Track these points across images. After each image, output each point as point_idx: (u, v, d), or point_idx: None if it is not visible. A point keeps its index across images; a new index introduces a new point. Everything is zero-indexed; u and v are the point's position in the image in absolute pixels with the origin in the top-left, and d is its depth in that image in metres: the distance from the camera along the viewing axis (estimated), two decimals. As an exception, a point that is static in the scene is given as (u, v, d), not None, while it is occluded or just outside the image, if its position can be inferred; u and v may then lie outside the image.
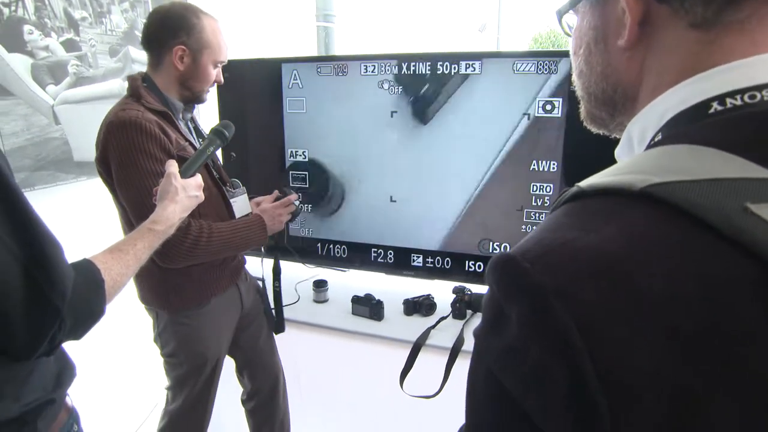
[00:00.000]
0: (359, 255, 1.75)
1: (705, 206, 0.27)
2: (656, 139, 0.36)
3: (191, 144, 1.27)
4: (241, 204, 1.39)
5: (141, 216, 1.03)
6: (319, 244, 1.78)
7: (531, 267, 0.29)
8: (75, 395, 0.90)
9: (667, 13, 0.35)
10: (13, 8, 1.43)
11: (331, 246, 1.77)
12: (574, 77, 0.45)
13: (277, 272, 1.53)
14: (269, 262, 1.60)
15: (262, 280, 1.61)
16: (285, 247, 1.67)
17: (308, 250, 1.80)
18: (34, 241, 0.65)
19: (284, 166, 1.74)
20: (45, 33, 1.51)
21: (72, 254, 0.88)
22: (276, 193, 1.47)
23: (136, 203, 1.12)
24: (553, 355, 0.27)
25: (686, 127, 0.33)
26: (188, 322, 1.31)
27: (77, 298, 0.69)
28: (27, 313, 0.63)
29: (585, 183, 0.33)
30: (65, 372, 0.81)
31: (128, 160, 1.11)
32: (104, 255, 0.81)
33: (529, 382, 0.28)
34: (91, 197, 1.68)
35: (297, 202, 1.46)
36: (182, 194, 1.01)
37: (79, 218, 1.65)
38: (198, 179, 1.08)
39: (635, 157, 0.33)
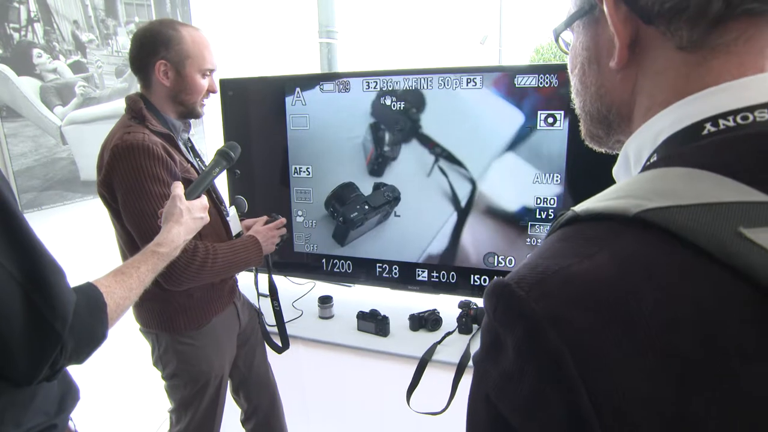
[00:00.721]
0: (364, 270, 1.75)
1: (698, 231, 0.27)
2: (652, 160, 0.36)
3: (193, 166, 1.27)
4: (234, 222, 1.41)
5: (149, 241, 1.02)
6: (324, 260, 1.78)
7: (526, 295, 0.29)
8: (78, 419, 0.90)
9: (656, 35, 0.36)
10: (23, 33, 1.46)
11: (336, 261, 1.77)
12: (573, 95, 0.46)
13: (273, 291, 1.52)
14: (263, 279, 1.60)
15: (266, 296, 1.60)
16: (280, 263, 1.66)
17: (313, 266, 1.80)
18: (34, 267, 0.65)
19: (287, 183, 1.75)
20: (53, 56, 1.54)
21: (79, 272, 0.89)
22: (266, 217, 1.48)
23: (144, 228, 1.12)
24: (548, 382, 0.27)
25: (680, 149, 0.34)
26: (191, 342, 1.30)
27: (79, 323, 0.69)
28: (28, 338, 0.63)
29: (580, 207, 0.33)
30: (68, 396, 0.81)
31: (136, 185, 1.10)
32: (107, 278, 0.82)
33: (525, 409, 0.28)
34: (97, 216, 1.69)
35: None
36: (187, 216, 1.01)
37: (85, 236, 1.67)
38: (203, 201, 1.07)
39: (630, 180, 0.33)
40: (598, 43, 0.40)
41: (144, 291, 1.21)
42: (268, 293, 1.51)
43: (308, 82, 1.65)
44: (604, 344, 0.26)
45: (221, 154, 1.18)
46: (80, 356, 0.74)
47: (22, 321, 0.63)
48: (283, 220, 1.46)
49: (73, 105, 1.60)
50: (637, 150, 0.39)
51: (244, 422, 1.60)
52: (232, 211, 1.42)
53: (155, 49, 1.19)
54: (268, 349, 1.59)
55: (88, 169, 1.64)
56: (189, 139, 1.38)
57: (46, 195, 1.53)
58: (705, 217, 0.27)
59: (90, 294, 0.76)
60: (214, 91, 1.31)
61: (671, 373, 0.25)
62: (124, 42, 1.77)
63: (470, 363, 1.37)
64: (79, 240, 1.66)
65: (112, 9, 1.73)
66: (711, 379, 0.25)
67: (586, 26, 0.42)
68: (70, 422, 0.87)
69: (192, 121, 1.36)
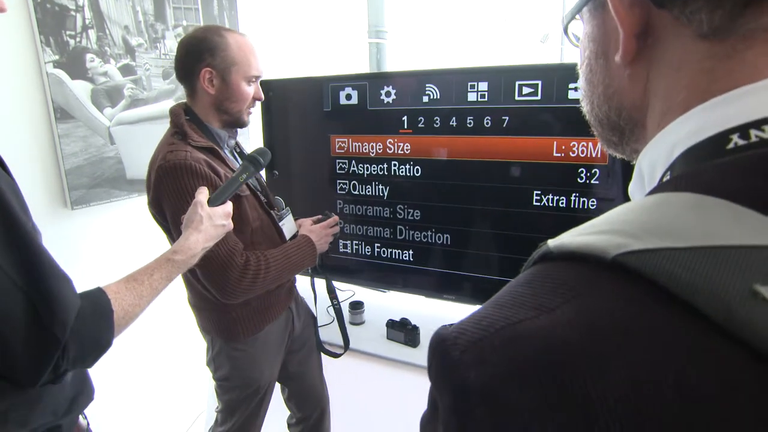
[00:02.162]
0: (401, 276, 1.69)
1: (694, 285, 0.19)
2: (665, 179, 0.28)
3: None
4: (289, 226, 1.39)
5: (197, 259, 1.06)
6: (354, 263, 1.75)
7: (460, 357, 0.23)
8: (103, 418, 0.91)
9: (670, 21, 0.28)
10: (78, 39, 1.54)
11: (371, 266, 1.73)
12: (580, 98, 0.38)
13: (331, 290, 1.50)
14: (303, 282, 1.58)
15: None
16: (329, 266, 1.64)
17: (349, 269, 1.77)
18: (36, 273, 0.66)
19: (333, 183, 1.73)
20: (104, 60, 1.61)
21: (122, 266, 0.90)
22: (319, 216, 1.46)
23: None
24: None
25: (696, 167, 0.25)
26: (244, 348, 1.30)
27: (82, 328, 0.69)
28: (27, 342, 0.64)
29: (554, 242, 0.26)
30: (81, 396, 0.82)
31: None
32: (118, 284, 0.81)
33: None
34: (142, 213, 1.77)
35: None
36: (207, 223, 0.98)
37: (130, 232, 1.74)
38: (227, 207, 1.04)
39: (623, 208, 0.26)
40: (605, 33, 0.33)
41: (201, 301, 1.23)
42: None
43: (348, 81, 1.63)
44: None
45: (250, 160, 1.14)
46: (86, 361, 0.74)
47: (22, 325, 0.64)
48: (336, 218, 1.43)
49: (122, 106, 1.67)
50: (651, 165, 0.30)
51: (290, 425, 1.61)
52: (287, 212, 1.40)
53: (200, 56, 1.17)
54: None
55: (134, 168, 1.71)
56: (237, 143, 1.36)
57: (94, 192, 1.60)
58: (707, 265, 0.19)
59: (97, 300, 0.76)
60: (260, 99, 1.27)
61: None
62: (171, 45, 1.83)
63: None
64: (124, 235, 1.73)
65: (161, 13, 1.79)
66: None
67: (594, 13, 0.34)
68: (83, 420, 0.88)
69: None
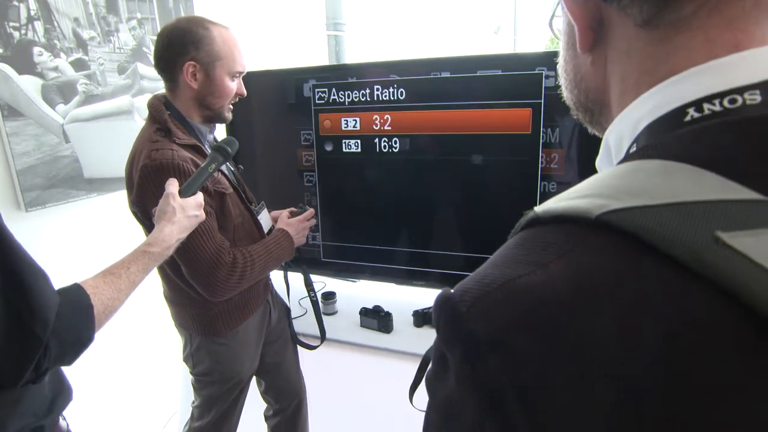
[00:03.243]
0: (371, 265, 1.72)
1: (667, 236, 0.23)
2: (631, 150, 0.32)
3: (222, 174, 1.23)
4: (265, 220, 1.38)
5: (187, 258, 1.08)
6: (321, 251, 1.76)
7: (467, 311, 0.25)
8: (76, 418, 0.90)
9: (616, 13, 0.32)
10: (23, 31, 1.46)
11: (342, 253, 1.75)
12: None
13: (308, 283, 1.52)
14: (278, 276, 1.58)
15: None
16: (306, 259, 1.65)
17: (319, 261, 1.78)
18: (13, 270, 0.64)
19: (299, 175, 1.73)
20: (54, 54, 1.54)
21: (83, 269, 0.88)
22: (292, 209, 1.46)
23: (183, 247, 1.08)
24: (488, 416, 0.24)
25: (659, 138, 0.29)
26: (225, 342, 1.29)
27: (63, 325, 0.68)
28: (8, 342, 0.63)
29: (541, 208, 0.29)
30: (60, 397, 0.81)
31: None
32: (95, 279, 0.80)
33: None
34: (103, 213, 1.71)
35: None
36: (180, 215, 0.98)
37: (90, 234, 1.68)
38: (198, 198, 1.03)
39: (600, 175, 0.29)
40: (572, 27, 0.37)
41: (181, 297, 1.21)
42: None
43: (317, 73, 1.63)
44: (550, 375, 0.22)
45: (217, 150, 1.12)
46: (66, 358, 0.73)
47: (1, 325, 0.63)
48: (312, 210, 1.43)
49: (75, 103, 1.60)
50: (617, 139, 0.35)
51: (267, 418, 1.61)
52: (262, 206, 1.40)
53: (184, 49, 1.12)
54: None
55: (92, 167, 1.65)
56: (215, 138, 1.33)
57: (49, 193, 1.54)
58: (676, 219, 0.23)
59: (76, 296, 0.75)
60: (242, 95, 1.24)
61: (629, 412, 0.21)
62: (126, 38, 1.77)
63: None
64: (84, 237, 1.67)
65: (113, 6, 1.72)
66: (679, 421, 0.20)
67: (565, 9, 0.38)
68: (63, 421, 0.87)
69: None
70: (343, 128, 1.63)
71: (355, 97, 1.59)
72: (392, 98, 1.55)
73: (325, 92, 1.63)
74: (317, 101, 1.64)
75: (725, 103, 0.27)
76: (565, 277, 0.24)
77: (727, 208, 0.23)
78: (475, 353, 0.25)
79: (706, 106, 0.28)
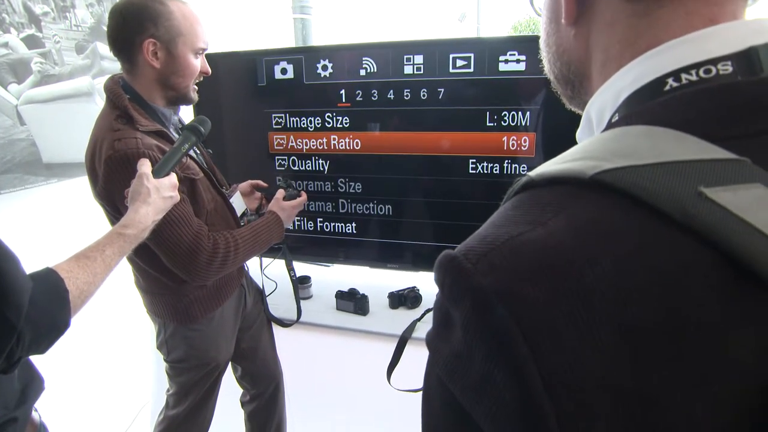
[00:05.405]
0: (343, 249, 1.73)
1: (656, 192, 0.25)
2: (613, 120, 0.34)
3: (192, 158, 1.19)
4: (237, 203, 1.36)
5: (164, 246, 1.05)
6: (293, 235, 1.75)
7: (473, 267, 0.27)
8: (47, 408, 0.87)
9: None
10: (-31, 4, 1.37)
11: (316, 238, 1.74)
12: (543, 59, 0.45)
13: (289, 263, 1.51)
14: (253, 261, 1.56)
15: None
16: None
17: (291, 245, 1.77)
18: None
19: (271, 158, 1.70)
20: (3, 29, 1.44)
21: (45, 259, 0.84)
22: (281, 190, 1.40)
23: (158, 236, 1.05)
24: (497, 362, 0.25)
25: (642, 106, 0.32)
26: (200, 327, 1.27)
27: (37, 311, 0.66)
28: None
29: (535, 172, 0.31)
30: (31, 387, 0.78)
31: None
32: (69, 263, 0.77)
33: (475, 390, 0.26)
34: (64, 199, 1.63)
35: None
36: (155, 195, 0.94)
37: (51, 221, 1.60)
38: (172, 179, 1.00)
39: (588, 141, 0.32)
40: (555, 1, 0.39)
41: (154, 285, 1.18)
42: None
43: (284, 55, 1.60)
44: (556, 320, 0.24)
45: (190, 129, 1.08)
46: (40, 346, 0.70)
47: None
48: (305, 197, 1.41)
49: (30, 83, 1.51)
50: (599, 110, 0.37)
51: (244, 404, 1.59)
52: (236, 194, 1.37)
53: (142, 26, 1.05)
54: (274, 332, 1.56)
55: (52, 151, 1.57)
56: (180, 120, 1.28)
57: (4, 179, 1.46)
58: (664, 176, 0.26)
59: (49, 280, 0.72)
60: (207, 73, 1.18)
61: (629, 349, 0.23)
62: (83, 15, 1.68)
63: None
64: (44, 225, 1.59)
65: (68, -21, 1.63)
66: (671, 354, 0.23)
67: None
68: (35, 413, 0.84)
69: None
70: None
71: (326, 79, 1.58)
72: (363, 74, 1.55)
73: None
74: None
75: (701, 73, 0.30)
76: (564, 231, 0.26)
77: (708, 167, 0.26)
78: (483, 305, 0.26)
79: (683, 75, 0.31)
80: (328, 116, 1.62)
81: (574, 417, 0.23)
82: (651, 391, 0.23)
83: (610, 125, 0.34)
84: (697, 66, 0.30)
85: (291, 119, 1.66)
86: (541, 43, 0.43)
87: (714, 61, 0.30)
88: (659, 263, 0.24)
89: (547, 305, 0.24)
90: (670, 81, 0.31)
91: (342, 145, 1.63)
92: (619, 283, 0.24)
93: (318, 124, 1.63)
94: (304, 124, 1.65)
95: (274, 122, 1.68)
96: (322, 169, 1.68)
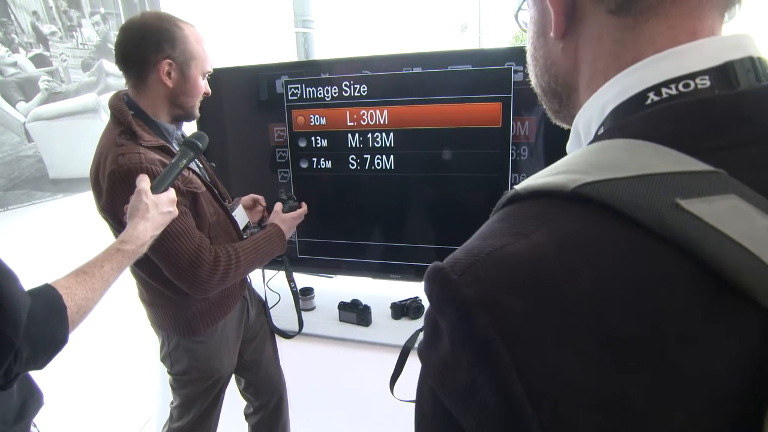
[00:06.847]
0: (345, 261, 1.73)
1: (635, 204, 0.26)
2: (599, 133, 0.35)
3: (194, 172, 1.21)
4: (240, 216, 1.37)
5: (166, 260, 1.07)
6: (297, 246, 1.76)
7: (459, 278, 0.28)
8: (54, 421, 0.87)
9: (590, 1, 0.35)
10: (-22, 25, 1.40)
11: (318, 249, 1.75)
12: (529, 73, 0.45)
13: (289, 274, 1.52)
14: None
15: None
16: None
17: (296, 257, 1.78)
18: None
19: (274, 170, 1.72)
20: (12, 49, 1.48)
21: (52, 273, 0.85)
22: (279, 203, 1.43)
23: (161, 250, 1.08)
24: (481, 372, 0.26)
25: (625, 120, 0.33)
26: (203, 340, 1.28)
27: (34, 327, 0.66)
28: None
29: (521, 185, 0.32)
30: (30, 402, 0.78)
31: None
32: (68, 279, 0.78)
33: (462, 397, 0.27)
34: (70, 214, 1.65)
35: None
36: (154, 211, 0.96)
37: (58, 235, 1.62)
38: (171, 194, 1.02)
39: (573, 154, 0.32)
40: (544, 16, 0.40)
41: (157, 297, 1.19)
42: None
43: (289, 69, 1.62)
44: (537, 330, 0.25)
45: (188, 145, 1.10)
46: (38, 362, 0.71)
47: None
48: (306, 208, 1.43)
49: (38, 100, 1.55)
50: (586, 124, 0.38)
51: (248, 415, 1.59)
52: (237, 203, 1.38)
53: (160, 46, 1.10)
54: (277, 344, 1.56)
55: (58, 167, 1.60)
56: (183, 135, 1.30)
57: (12, 195, 1.48)
58: (642, 189, 0.26)
59: (47, 296, 0.73)
60: (208, 94, 1.24)
61: (610, 359, 0.24)
62: (89, 34, 1.71)
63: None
64: (50, 240, 1.61)
65: (74, 0, 1.67)
66: (653, 364, 0.23)
67: (535, 1, 0.41)
68: (33, 428, 0.84)
69: None
70: (311, 124, 1.64)
71: (328, 93, 1.60)
72: (364, 93, 1.56)
73: (298, 88, 1.62)
74: (290, 97, 1.64)
75: (680, 87, 0.31)
76: (546, 243, 0.27)
77: (684, 179, 0.26)
78: (467, 315, 0.27)
79: (664, 90, 0.31)
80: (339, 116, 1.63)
81: (556, 425, 0.24)
82: (632, 401, 0.23)
83: (596, 138, 0.35)
84: (676, 80, 0.31)
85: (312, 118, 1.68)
86: (528, 57, 0.44)
87: (693, 76, 0.31)
88: (640, 275, 0.25)
89: (529, 315, 0.25)
90: (651, 95, 0.32)
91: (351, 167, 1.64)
92: (601, 295, 0.25)
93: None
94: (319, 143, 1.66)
95: (276, 136, 1.70)
96: (325, 189, 1.70)
